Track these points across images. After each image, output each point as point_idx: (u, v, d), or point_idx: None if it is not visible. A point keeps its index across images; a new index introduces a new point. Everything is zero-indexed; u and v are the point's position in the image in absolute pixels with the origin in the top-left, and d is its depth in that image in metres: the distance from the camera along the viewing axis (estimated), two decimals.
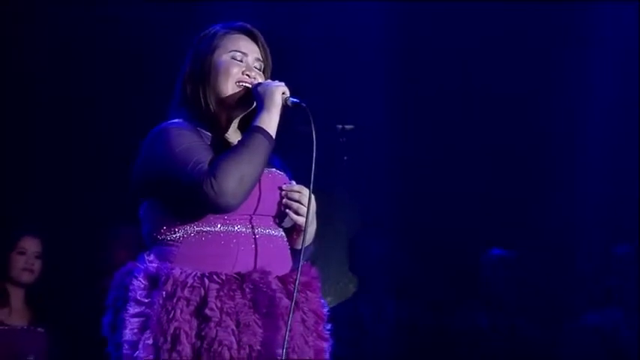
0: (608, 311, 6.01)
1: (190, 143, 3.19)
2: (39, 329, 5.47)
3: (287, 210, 3.29)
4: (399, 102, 6.24)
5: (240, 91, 3.30)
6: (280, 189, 3.31)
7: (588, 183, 6.33)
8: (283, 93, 3.26)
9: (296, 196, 3.29)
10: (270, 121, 3.22)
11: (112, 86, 6.08)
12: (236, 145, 3.20)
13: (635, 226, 6.14)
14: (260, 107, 3.25)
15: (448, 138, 6.37)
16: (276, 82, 3.28)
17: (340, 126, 6.27)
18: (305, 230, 3.26)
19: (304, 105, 3.26)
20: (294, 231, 3.36)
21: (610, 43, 6.43)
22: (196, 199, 3.12)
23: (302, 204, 3.28)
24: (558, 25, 6.30)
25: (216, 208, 3.13)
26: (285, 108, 3.25)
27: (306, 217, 3.26)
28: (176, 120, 3.30)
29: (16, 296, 5.48)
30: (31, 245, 5.49)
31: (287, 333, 3.12)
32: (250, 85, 3.30)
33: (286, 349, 3.14)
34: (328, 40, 6.38)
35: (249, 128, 3.23)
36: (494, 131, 6.36)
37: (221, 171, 3.09)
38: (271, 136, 3.21)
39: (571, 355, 5.95)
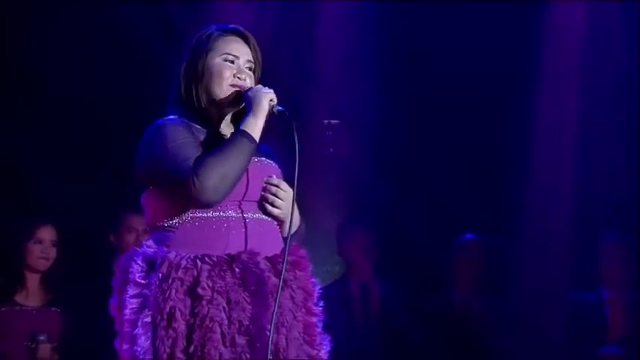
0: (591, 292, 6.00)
1: (182, 140, 3.18)
2: (53, 309, 5.44)
3: (264, 202, 3.28)
4: (380, 99, 6.22)
5: (231, 94, 3.28)
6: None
7: (554, 174, 6.29)
8: (271, 100, 3.24)
9: (273, 189, 3.28)
10: (256, 126, 3.20)
11: (120, 84, 6.04)
12: (221, 146, 3.18)
13: (600, 212, 6.11)
14: (248, 111, 3.23)
15: (428, 131, 6.35)
16: (266, 89, 3.26)
17: (327, 121, 6.24)
18: (291, 222, 3.23)
19: (287, 113, 3.24)
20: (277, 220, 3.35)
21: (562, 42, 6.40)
22: (182, 193, 3.11)
23: (278, 197, 3.27)
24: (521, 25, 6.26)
25: (197, 202, 3.13)
26: (271, 115, 3.23)
27: (291, 211, 3.24)
28: (172, 117, 3.29)
29: (32, 280, 5.45)
30: (47, 234, 5.46)
31: (275, 309, 3.12)
32: (241, 89, 3.27)
33: (275, 323, 3.13)
34: (317, 39, 6.34)
35: (235, 130, 3.22)
36: (470, 125, 6.33)
37: (203, 169, 3.09)
38: (255, 140, 3.19)
39: (546, 333, 5.92)
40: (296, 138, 3.19)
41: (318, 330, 3.28)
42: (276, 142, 3.38)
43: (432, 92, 6.39)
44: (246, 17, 5.95)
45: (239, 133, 3.18)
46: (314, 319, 3.28)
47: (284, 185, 3.29)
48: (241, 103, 3.26)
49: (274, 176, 3.32)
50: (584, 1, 6.46)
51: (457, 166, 6.36)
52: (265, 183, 3.28)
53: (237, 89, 3.27)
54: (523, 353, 5.90)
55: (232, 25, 3.38)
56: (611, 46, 6.38)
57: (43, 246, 5.43)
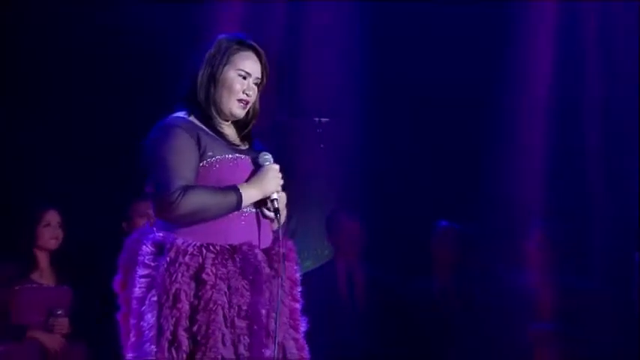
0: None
1: (186, 156, 3.20)
2: (65, 287, 5.42)
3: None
4: (366, 99, 6.19)
5: (238, 108, 3.31)
6: None
7: (526, 165, 6.29)
8: (273, 193, 3.26)
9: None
10: (250, 197, 3.23)
11: (126, 78, 5.99)
12: (214, 190, 3.19)
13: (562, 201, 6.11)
14: (255, 178, 3.25)
15: (409, 130, 6.32)
16: (277, 180, 3.28)
17: (317, 119, 6.21)
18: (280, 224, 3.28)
19: (277, 211, 3.26)
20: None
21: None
22: (159, 199, 3.15)
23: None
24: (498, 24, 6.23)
25: (163, 213, 3.17)
26: (263, 203, 3.26)
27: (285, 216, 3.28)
28: (180, 114, 3.30)
29: (44, 260, 5.43)
30: (54, 218, 5.45)
31: (278, 305, 3.16)
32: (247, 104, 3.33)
33: (267, 310, 3.17)
34: (309, 42, 6.31)
35: (234, 186, 3.22)
36: (448, 123, 6.31)
37: (190, 195, 3.13)
38: (241, 204, 3.20)
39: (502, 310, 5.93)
40: (280, 227, 3.26)
41: (300, 315, 3.30)
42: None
43: (414, 90, 6.36)
44: (238, 17, 5.92)
45: (235, 189, 3.20)
46: (297, 305, 3.30)
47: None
48: (242, 116, 3.32)
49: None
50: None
51: (436, 162, 6.34)
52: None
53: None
54: (491, 330, 5.89)
55: (250, 42, 3.39)
56: (581, 42, 6.36)
57: (52, 228, 5.43)
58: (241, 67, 3.32)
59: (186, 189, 3.12)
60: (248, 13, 6.05)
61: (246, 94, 3.31)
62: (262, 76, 3.36)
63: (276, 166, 3.30)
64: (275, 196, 3.26)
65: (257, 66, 3.35)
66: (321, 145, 6.15)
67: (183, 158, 3.19)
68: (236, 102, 3.31)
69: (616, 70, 6.31)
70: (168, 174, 3.14)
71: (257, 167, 3.28)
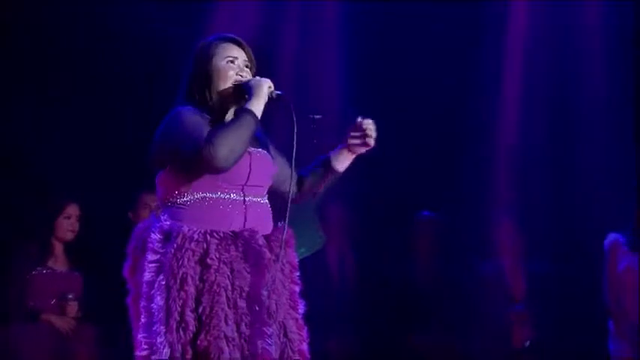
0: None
1: (197, 122, 3.19)
2: (76, 273, 5.44)
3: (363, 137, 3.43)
4: (356, 97, 6.20)
5: (235, 87, 3.29)
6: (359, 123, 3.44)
7: (497, 162, 6.32)
8: (269, 87, 3.26)
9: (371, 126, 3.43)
10: (258, 106, 3.22)
11: (138, 77, 5.99)
12: (230, 121, 3.20)
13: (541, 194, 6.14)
14: (250, 96, 3.24)
15: (394, 126, 6.29)
16: (264, 79, 3.29)
17: (311, 115, 6.20)
18: (287, 207, 3.27)
19: (283, 94, 3.28)
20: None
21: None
22: (198, 162, 3.11)
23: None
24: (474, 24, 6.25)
25: (211, 169, 3.13)
26: (270, 99, 3.26)
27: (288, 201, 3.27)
28: (186, 107, 3.29)
29: (59, 248, 5.46)
30: (74, 211, 5.48)
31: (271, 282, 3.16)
32: (244, 81, 3.29)
33: (268, 292, 3.17)
34: (303, 45, 6.32)
35: (241, 110, 3.22)
36: (429, 119, 6.32)
37: (216, 140, 3.09)
38: (257, 117, 3.20)
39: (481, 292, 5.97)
40: (293, 114, 3.24)
41: (299, 296, 3.31)
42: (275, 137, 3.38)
43: (396, 88, 6.36)
44: (231, 20, 5.92)
45: (244, 111, 3.19)
46: (296, 288, 3.30)
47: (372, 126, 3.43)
48: (243, 96, 3.27)
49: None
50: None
51: (417, 158, 6.36)
52: (361, 122, 3.42)
53: (241, 82, 3.30)
54: (468, 310, 5.93)
55: (230, 35, 3.40)
56: (552, 42, 6.38)
57: (71, 221, 5.47)
58: (227, 55, 3.32)
59: (209, 138, 3.09)
60: (241, 16, 6.06)
61: (240, 75, 3.31)
62: (249, 59, 3.36)
63: (258, 77, 3.29)
64: (271, 88, 3.26)
65: (241, 51, 3.35)
66: (314, 141, 6.12)
67: (197, 122, 3.18)
68: (232, 85, 3.30)
69: (585, 70, 6.36)
70: (190, 137, 3.12)
71: (255, 140, 3.30)
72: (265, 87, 3.24)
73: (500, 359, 5.82)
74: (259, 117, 3.21)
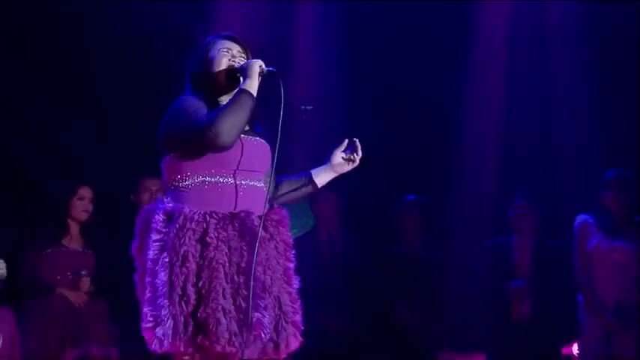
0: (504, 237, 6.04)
1: (198, 105, 3.21)
2: (89, 251, 5.46)
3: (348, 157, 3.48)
4: (345, 90, 6.20)
5: (229, 73, 3.29)
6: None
7: (481, 147, 6.32)
8: (260, 65, 3.26)
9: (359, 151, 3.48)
10: (252, 85, 3.23)
11: (144, 71, 5.99)
12: (228, 101, 3.21)
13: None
14: (244, 77, 3.25)
15: (383, 116, 6.32)
16: (255, 59, 3.30)
17: (303, 107, 6.20)
18: (270, 183, 3.28)
19: (275, 70, 3.27)
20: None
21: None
22: (203, 140, 3.12)
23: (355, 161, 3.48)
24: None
25: (215, 145, 3.14)
26: (263, 76, 3.25)
27: (272, 170, 3.28)
28: (187, 95, 3.32)
29: (74, 228, 5.47)
30: (87, 193, 5.48)
31: (255, 256, 3.15)
32: (237, 65, 3.30)
33: (263, 267, 3.18)
34: (294, 41, 6.31)
35: (237, 90, 3.24)
36: (416, 108, 6.32)
37: (217, 119, 3.11)
38: (253, 95, 3.21)
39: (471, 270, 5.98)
40: (282, 88, 3.22)
41: (293, 272, 3.31)
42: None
43: (387, 80, 6.33)
44: (231, 19, 5.91)
45: (240, 91, 3.20)
46: (291, 265, 3.30)
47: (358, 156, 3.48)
48: (238, 80, 3.27)
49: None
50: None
51: (404, 145, 6.34)
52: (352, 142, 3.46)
53: (233, 66, 3.31)
54: (456, 288, 5.93)
55: (224, 32, 3.42)
56: (534, 41, 6.38)
57: (84, 202, 5.47)
58: (222, 47, 3.34)
59: (211, 117, 3.11)
60: (246, 13, 6.04)
61: (233, 62, 3.31)
62: (244, 51, 3.37)
63: (249, 59, 3.31)
64: (262, 66, 3.25)
65: (235, 45, 3.37)
66: (305, 109, 6.11)
67: (199, 105, 3.20)
68: (227, 70, 3.30)
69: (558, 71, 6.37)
70: (194, 118, 3.14)
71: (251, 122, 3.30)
72: (256, 66, 3.25)
73: (493, 333, 5.80)
74: (254, 94, 3.21)
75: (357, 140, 3.49)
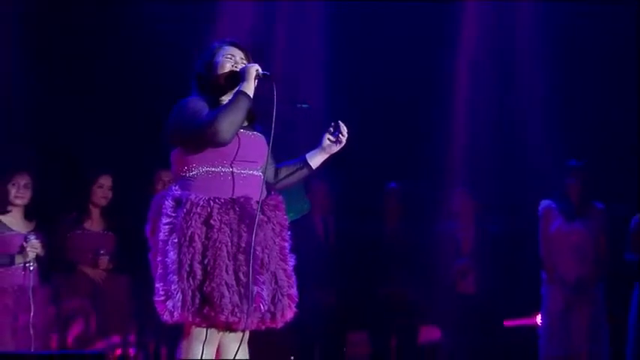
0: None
1: (201, 105, 3.21)
2: (110, 234, 5.41)
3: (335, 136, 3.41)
4: (336, 89, 6.16)
5: (230, 76, 3.28)
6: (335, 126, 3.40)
7: (455, 139, 6.30)
8: (257, 69, 3.24)
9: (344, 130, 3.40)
10: (249, 87, 3.22)
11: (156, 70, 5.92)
12: (227, 102, 3.21)
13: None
14: (242, 80, 3.23)
15: (369, 112, 6.28)
16: (253, 64, 3.28)
17: (299, 104, 6.16)
18: (265, 172, 3.27)
19: (269, 74, 3.25)
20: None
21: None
22: (205, 136, 3.13)
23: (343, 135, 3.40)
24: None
25: (216, 141, 3.14)
26: (259, 78, 3.23)
27: (266, 165, 3.26)
28: (192, 96, 3.31)
29: (95, 212, 5.42)
30: (106, 181, 5.42)
31: (253, 239, 3.15)
32: (237, 69, 3.28)
33: (262, 247, 3.17)
34: (290, 43, 6.26)
35: (235, 92, 3.22)
36: (405, 102, 6.27)
37: (217, 118, 3.12)
38: (249, 96, 3.20)
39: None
40: (274, 90, 3.21)
41: (288, 251, 3.30)
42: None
43: (374, 77, 6.29)
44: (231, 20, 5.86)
45: (238, 92, 3.20)
46: (286, 244, 3.29)
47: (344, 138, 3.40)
48: (238, 82, 3.24)
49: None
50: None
51: (386, 137, 6.33)
52: (337, 125, 3.39)
53: (235, 70, 3.28)
54: (428, 265, 5.94)
55: (229, 39, 3.40)
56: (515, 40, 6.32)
57: (104, 189, 5.42)
58: (225, 52, 3.32)
59: (212, 116, 3.11)
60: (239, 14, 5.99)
61: (235, 67, 3.29)
62: (246, 58, 3.35)
63: (247, 64, 3.28)
64: (259, 70, 3.23)
65: (239, 51, 3.35)
66: (300, 106, 6.05)
67: (201, 105, 3.20)
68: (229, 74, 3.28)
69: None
70: (197, 117, 3.14)
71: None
72: (253, 70, 3.23)
73: (448, 304, 5.81)
74: (251, 95, 3.20)
75: (341, 122, 3.44)
